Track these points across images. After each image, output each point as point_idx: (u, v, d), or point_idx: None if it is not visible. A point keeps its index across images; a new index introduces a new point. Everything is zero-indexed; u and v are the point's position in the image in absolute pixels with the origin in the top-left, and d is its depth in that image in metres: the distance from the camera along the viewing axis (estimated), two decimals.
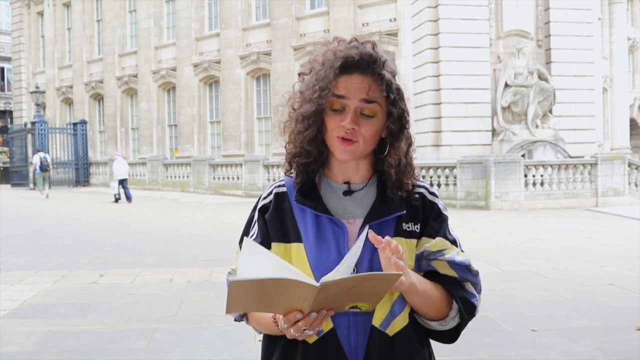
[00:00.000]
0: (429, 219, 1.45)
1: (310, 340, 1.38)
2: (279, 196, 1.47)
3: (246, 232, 1.51)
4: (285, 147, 1.49)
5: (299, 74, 1.47)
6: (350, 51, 1.38)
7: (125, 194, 19.88)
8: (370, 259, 1.37)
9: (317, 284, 1.17)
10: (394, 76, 1.40)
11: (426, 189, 1.49)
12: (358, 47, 1.40)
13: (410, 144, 1.45)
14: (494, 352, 4.27)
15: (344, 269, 1.23)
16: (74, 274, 7.25)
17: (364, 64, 1.38)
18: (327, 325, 1.37)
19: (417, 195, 1.46)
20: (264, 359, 1.49)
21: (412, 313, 1.43)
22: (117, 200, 19.94)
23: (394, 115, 1.40)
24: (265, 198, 1.50)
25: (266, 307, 1.26)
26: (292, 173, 1.48)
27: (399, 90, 1.40)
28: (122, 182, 20.03)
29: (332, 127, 1.39)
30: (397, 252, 1.24)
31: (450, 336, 1.47)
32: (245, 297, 1.21)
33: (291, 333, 1.25)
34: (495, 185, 15.37)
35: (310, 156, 1.44)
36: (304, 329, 1.23)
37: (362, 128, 1.37)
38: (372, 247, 1.37)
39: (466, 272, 1.43)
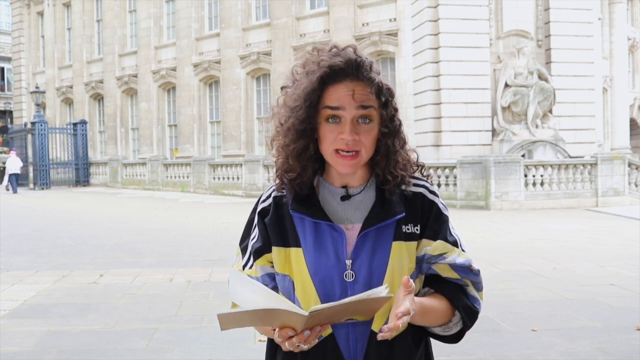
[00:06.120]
0: (429, 220, 1.42)
1: None
2: (278, 200, 1.45)
3: (247, 233, 1.50)
4: (275, 162, 1.45)
5: (282, 88, 1.43)
6: (334, 59, 1.34)
7: (12, 186, 24.79)
8: (369, 266, 1.36)
9: (306, 314, 1.16)
10: (379, 75, 1.37)
11: (426, 188, 1.46)
12: (340, 53, 1.36)
13: (404, 143, 1.43)
14: (494, 352, 4.27)
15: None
16: (74, 274, 7.25)
17: (351, 69, 1.34)
18: (327, 331, 1.37)
19: (415, 193, 1.44)
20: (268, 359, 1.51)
21: None
22: (8, 190, 25.07)
23: (387, 117, 1.37)
24: (264, 201, 1.48)
25: (261, 325, 1.27)
26: (284, 189, 1.45)
27: (389, 90, 1.37)
28: (15, 176, 25.13)
29: (329, 139, 1.35)
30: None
31: (454, 337, 1.46)
32: (238, 321, 1.22)
33: (286, 346, 1.25)
34: (495, 185, 15.36)
35: (295, 171, 1.40)
36: (298, 345, 1.23)
37: (361, 137, 1.34)
38: (372, 252, 1.37)
39: (467, 273, 1.42)
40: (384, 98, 1.35)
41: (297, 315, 1.17)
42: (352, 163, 1.35)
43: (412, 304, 1.23)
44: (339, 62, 1.34)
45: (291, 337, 1.22)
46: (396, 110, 1.39)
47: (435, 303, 1.39)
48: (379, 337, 1.19)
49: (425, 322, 1.38)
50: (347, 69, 1.34)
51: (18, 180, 25.55)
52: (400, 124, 1.41)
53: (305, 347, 1.24)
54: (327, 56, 1.36)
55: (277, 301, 1.22)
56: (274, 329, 1.28)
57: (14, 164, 25.43)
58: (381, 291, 1.22)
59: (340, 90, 1.34)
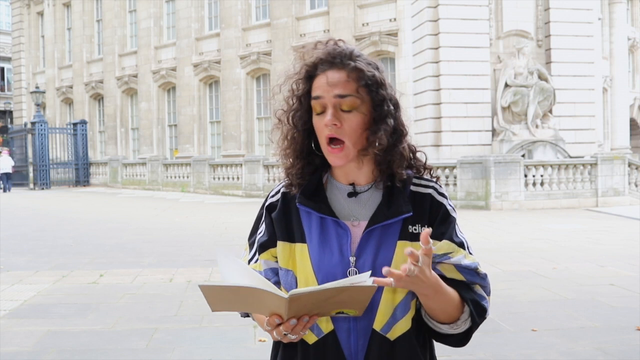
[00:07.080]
0: (436, 221, 1.41)
1: (310, 341, 1.39)
2: (287, 195, 1.47)
3: (255, 228, 1.53)
4: (283, 163, 1.49)
5: (286, 96, 1.47)
6: (315, 53, 1.40)
7: (7, 185, 25.83)
8: (373, 264, 1.36)
9: (286, 296, 1.16)
10: (367, 64, 1.38)
11: (435, 189, 1.45)
12: (322, 47, 1.41)
13: (401, 134, 1.41)
14: (494, 352, 4.27)
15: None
16: (74, 274, 7.25)
17: (330, 60, 1.38)
18: (328, 327, 1.38)
19: (423, 194, 1.43)
20: (272, 357, 1.52)
21: (415, 318, 1.42)
22: (4, 190, 25.81)
23: (374, 103, 1.37)
24: (273, 196, 1.51)
25: (249, 309, 1.27)
26: (292, 187, 1.47)
27: (374, 77, 1.37)
28: (6, 175, 25.99)
29: (319, 131, 1.39)
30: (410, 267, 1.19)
31: (460, 339, 1.43)
32: (224, 300, 1.22)
33: (274, 336, 1.26)
34: (495, 185, 15.37)
35: (298, 165, 1.44)
36: (285, 334, 1.23)
37: (344, 124, 1.35)
38: (376, 250, 1.37)
39: (474, 275, 1.39)
40: (364, 82, 1.36)
41: (278, 298, 1.17)
42: (339, 155, 1.37)
43: (428, 265, 1.21)
44: (320, 54, 1.39)
45: (278, 325, 1.23)
46: (384, 97, 1.37)
47: (448, 288, 1.35)
48: (384, 271, 1.17)
49: (437, 302, 1.33)
50: (325, 59, 1.38)
51: (10, 180, 26.41)
52: (389, 113, 1.38)
53: (293, 337, 1.25)
54: (309, 52, 1.42)
55: (259, 282, 1.21)
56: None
57: (5, 163, 26.23)
58: (365, 279, 1.20)
59: (321, 80, 1.38)
